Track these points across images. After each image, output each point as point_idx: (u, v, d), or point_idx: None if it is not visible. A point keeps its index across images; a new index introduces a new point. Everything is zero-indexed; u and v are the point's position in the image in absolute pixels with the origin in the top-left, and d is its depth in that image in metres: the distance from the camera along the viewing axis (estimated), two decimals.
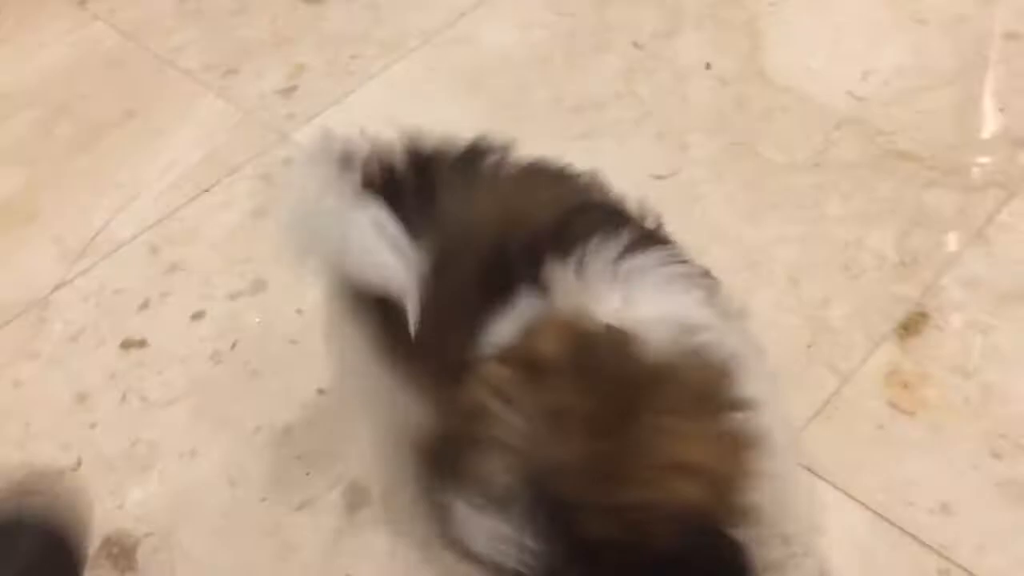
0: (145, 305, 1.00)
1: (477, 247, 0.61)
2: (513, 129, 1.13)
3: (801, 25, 1.17)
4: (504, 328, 0.54)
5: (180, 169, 1.17)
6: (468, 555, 0.49)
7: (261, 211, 1.10)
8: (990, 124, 1.01)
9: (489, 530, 0.47)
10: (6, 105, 1.30)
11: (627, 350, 0.49)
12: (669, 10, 1.23)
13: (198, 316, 0.99)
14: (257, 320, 0.97)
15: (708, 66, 1.15)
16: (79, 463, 0.87)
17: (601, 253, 0.56)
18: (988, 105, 1.02)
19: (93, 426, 0.90)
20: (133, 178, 1.16)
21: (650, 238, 0.62)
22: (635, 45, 1.20)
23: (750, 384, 0.51)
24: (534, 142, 1.12)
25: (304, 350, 0.94)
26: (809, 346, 0.86)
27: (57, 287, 1.04)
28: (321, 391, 0.90)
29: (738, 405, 0.50)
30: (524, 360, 0.50)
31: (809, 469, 0.78)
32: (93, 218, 1.11)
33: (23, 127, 1.26)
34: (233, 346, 0.96)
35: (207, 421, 0.89)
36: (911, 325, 0.86)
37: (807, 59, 1.12)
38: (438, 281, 0.62)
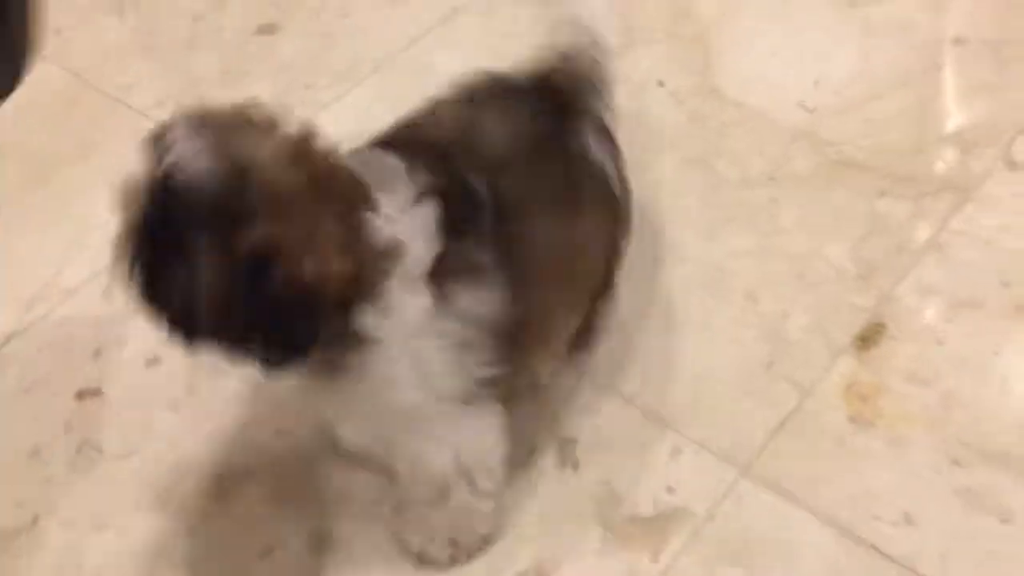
0: (99, 352, 0.99)
1: None
2: None
3: (752, 38, 1.17)
4: None
5: None
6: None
7: None
8: (940, 130, 1.01)
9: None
10: None
11: None
12: (620, 27, 1.23)
13: (153, 362, 0.97)
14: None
15: (661, 83, 1.15)
16: (35, 520, 0.85)
17: None
18: (937, 111, 1.03)
19: (49, 480, 0.88)
20: (85, 220, 1.15)
21: None
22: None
23: None
24: None
25: (262, 391, 0.93)
26: (770, 362, 0.86)
27: (9, 337, 1.02)
28: (279, 432, 0.89)
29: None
30: None
31: (774, 487, 0.78)
32: (47, 263, 1.09)
33: None
34: (190, 391, 0.94)
35: (165, 470, 0.88)
36: (869, 336, 0.86)
37: (759, 72, 1.12)
38: None
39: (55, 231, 1.15)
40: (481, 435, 0.71)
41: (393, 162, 0.66)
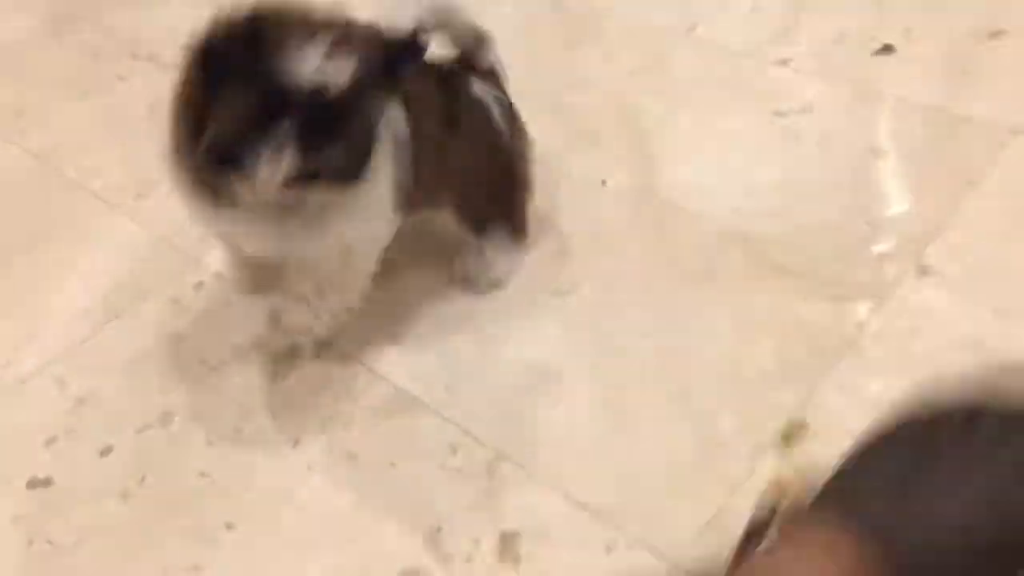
0: (52, 441, 1.01)
1: None
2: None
3: (689, 144, 1.25)
4: None
5: (89, 296, 1.18)
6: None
7: (172, 338, 1.11)
8: (858, 237, 1.09)
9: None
10: None
11: None
12: (568, 129, 1.31)
13: (106, 452, 0.99)
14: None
15: (604, 182, 1.21)
16: None
17: None
18: (857, 219, 1.11)
19: None
20: (40, 307, 1.17)
21: None
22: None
23: None
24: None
25: (214, 483, 0.96)
26: (700, 459, 0.91)
27: None
28: (230, 525, 0.91)
29: None
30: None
31: None
32: (1, 350, 1.11)
33: None
34: (142, 481, 0.96)
35: (115, 563, 0.89)
36: (791, 434, 0.92)
37: (695, 177, 1.20)
38: None
39: (9, 317, 1.16)
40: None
41: None
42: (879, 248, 1.07)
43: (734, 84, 1.32)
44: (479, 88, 1.05)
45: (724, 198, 1.16)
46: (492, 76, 1.08)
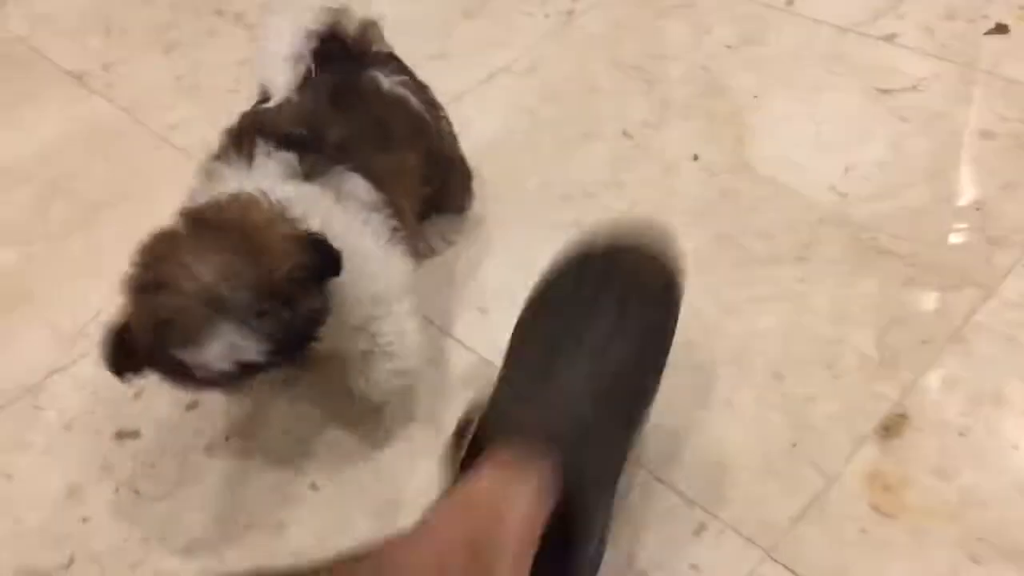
0: (139, 394, 1.01)
1: None
2: (505, 214, 1.17)
3: (785, 119, 1.21)
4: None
5: None
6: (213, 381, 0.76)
7: None
8: (966, 222, 1.04)
9: (220, 348, 0.73)
10: (1, 181, 1.32)
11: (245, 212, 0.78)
12: (657, 101, 1.27)
13: (192, 407, 1.00)
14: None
15: (695, 157, 1.18)
16: (71, 560, 0.87)
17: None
18: (965, 203, 1.06)
19: (86, 520, 0.90)
20: (125, 260, 1.17)
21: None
22: (624, 134, 1.23)
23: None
24: (525, 228, 1.16)
25: (297, 440, 0.95)
26: (794, 445, 0.88)
27: (51, 373, 1.04)
28: (314, 486, 0.91)
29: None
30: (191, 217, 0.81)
31: (797, 572, 0.80)
32: (88, 302, 1.12)
33: (17, 206, 1.28)
34: (227, 438, 0.97)
35: (200, 516, 0.90)
36: (892, 426, 0.88)
37: (791, 153, 1.16)
38: None
39: (99, 269, 1.15)
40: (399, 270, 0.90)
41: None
42: (989, 235, 1.02)
43: (835, 59, 1.27)
44: (388, 82, 1.00)
45: (822, 176, 1.12)
46: (392, 60, 1.05)
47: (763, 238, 1.07)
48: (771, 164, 1.15)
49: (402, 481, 0.91)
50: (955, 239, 1.03)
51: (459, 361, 1.00)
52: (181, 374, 0.77)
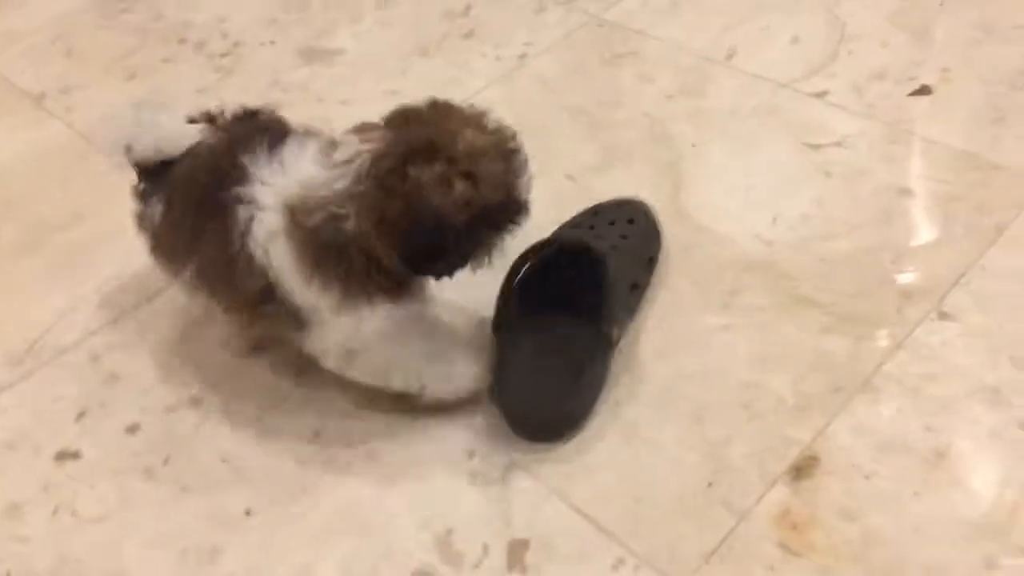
0: (83, 415, 1.04)
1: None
2: None
3: (721, 169, 1.27)
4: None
5: (126, 276, 1.21)
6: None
7: (204, 321, 1.14)
8: (883, 276, 1.10)
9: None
10: None
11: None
12: (601, 146, 1.33)
13: (133, 429, 1.02)
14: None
15: (636, 197, 1.23)
16: None
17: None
18: (882, 256, 1.12)
19: (24, 540, 0.92)
20: (78, 283, 1.20)
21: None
22: (568, 177, 1.28)
23: None
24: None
25: (236, 468, 0.98)
26: (709, 484, 0.93)
27: None
28: (249, 512, 0.94)
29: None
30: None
31: None
32: (36, 322, 1.14)
33: None
34: (166, 461, 0.99)
35: (136, 540, 0.92)
36: (803, 468, 0.93)
37: (724, 202, 1.22)
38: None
39: (48, 290, 1.19)
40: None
41: None
42: (902, 289, 1.08)
43: (769, 114, 1.33)
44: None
45: (751, 226, 1.18)
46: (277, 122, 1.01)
47: (694, 283, 1.12)
48: (705, 212, 1.21)
49: (339, 508, 0.94)
50: (871, 291, 1.09)
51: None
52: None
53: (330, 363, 0.96)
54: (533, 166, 1.27)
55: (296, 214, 0.87)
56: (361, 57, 1.56)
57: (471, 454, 0.98)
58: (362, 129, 0.88)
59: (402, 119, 0.88)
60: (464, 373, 0.99)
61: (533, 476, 0.95)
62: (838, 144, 1.27)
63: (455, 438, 0.99)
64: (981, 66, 1.35)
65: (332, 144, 0.89)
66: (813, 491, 0.92)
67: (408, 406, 1.00)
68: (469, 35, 1.57)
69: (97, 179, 1.37)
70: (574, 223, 1.17)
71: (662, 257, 1.15)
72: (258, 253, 0.88)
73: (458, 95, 1.43)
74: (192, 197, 0.95)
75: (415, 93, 1.46)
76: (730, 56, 1.44)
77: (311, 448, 1.00)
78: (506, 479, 0.95)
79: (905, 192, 1.20)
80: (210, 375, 1.08)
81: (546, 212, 1.22)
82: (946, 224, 1.16)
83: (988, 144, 1.24)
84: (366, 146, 0.85)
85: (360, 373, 0.96)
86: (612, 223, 1.15)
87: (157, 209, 0.99)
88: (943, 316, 1.05)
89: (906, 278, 1.10)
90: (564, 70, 1.47)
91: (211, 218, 0.92)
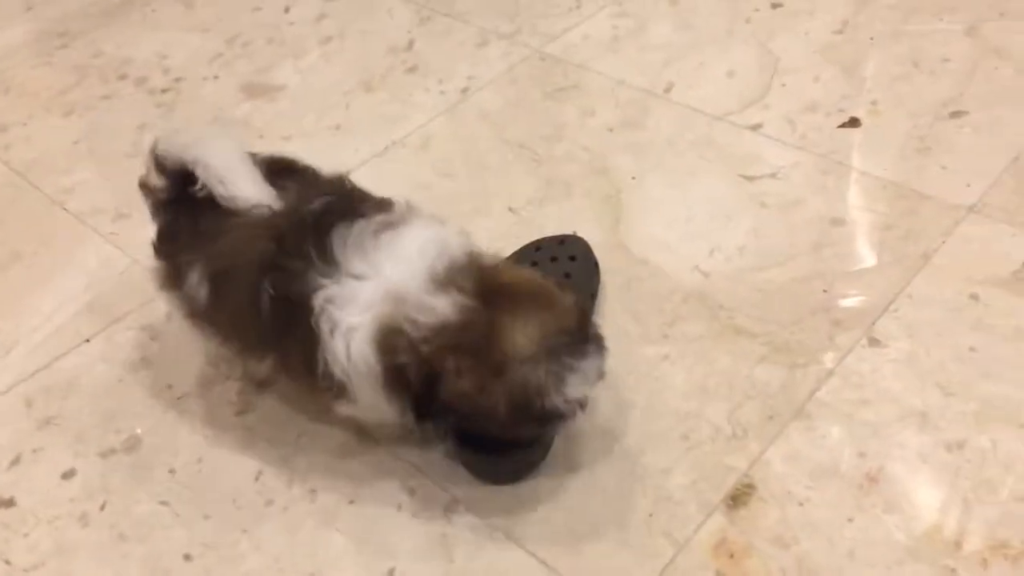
0: (16, 461, 1.02)
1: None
2: None
3: (660, 201, 1.29)
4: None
5: (62, 317, 1.19)
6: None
7: (142, 364, 1.13)
8: (815, 305, 1.13)
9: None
10: None
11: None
12: (542, 179, 1.35)
13: (69, 475, 1.01)
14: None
15: (574, 233, 1.25)
16: None
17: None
18: (814, 286, 1.15)
19: None
20: (13, 325, 1.18)
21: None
22: (510, 210, 1.30)
23: None
24: None
25: (173, 512, 0.97)
26: (650, 515, 0.94)
27: None
28: (188, 557, 0.93)
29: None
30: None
31: None
32: None
33: None
34: (102, 507, 0.98)
35: None
36: (739, 496, 0.95)
37: (663, 234, 1.24)
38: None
39: None
40: None
41: None
42: (834, 317, 1.11)
43: (706, 146, 1.36)
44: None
45: (689, 257, 1.20)
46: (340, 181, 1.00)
47: (634, 315, 1.14)
48: (645, 244, 1.23)
49: (281, 550, 0.94)
50: (804, 319, 1.11)
51: (335, 434, 1.04)
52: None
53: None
54: (475, 200, 1.29)
55: (384, 341, 0.84)
56: (304, 92, 1.57)
57: (412, 491, 0.98)
58: (457, 277, 0.86)
59: (495, 285, 0.87)
60: None
61: (475, 512, 0.96)
62: (773, 175, 1.30)
63: (397, 475, 0.99)
64: (908, 99, 1.40)
65: (439, 260, 0.87)
66: (749, 519, 0.93)
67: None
68: (412, 69, 1.59)
69: (35, 218, 1.35)
70: (517, 257, 1.18)
71: (602, 288, 1.17)
72: (340, 358, 0.85)
73: (402, 130, 1.46)
74: (255, 286, 0.88)
75: (358, 128, 1.49)
76: (668, 89, 1.47)
77: (252, 489, 0.99)
78: (448, 516, 0.96)
79: (837, 222, 1.23)
80: (147, 418, 1.07)
81: (488, 245, 1.24)
82: (876, 253, 1.19)
83: (915, 174, 1.28)
84: (454, 316, 0.84)
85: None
86: (554, 259, 1.16)
87: (201, 288, 0.92)
88: (873, 343, 1.08)
89: (838, 306, 1.12)
90: (506, 103, 1.49)
91: (288, 317, 0.87)
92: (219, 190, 0.91)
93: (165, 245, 0.98)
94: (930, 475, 0.96)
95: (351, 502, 0.97)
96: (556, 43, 1.60)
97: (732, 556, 0.91)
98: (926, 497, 0.94)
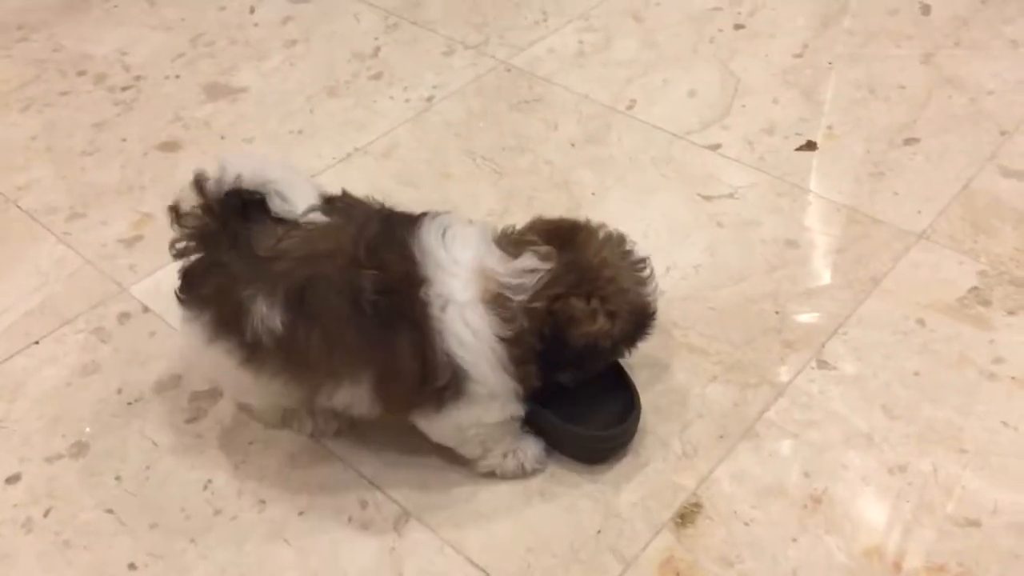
0: None
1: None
2: None
3: (618, 217, 1.29)
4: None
5: (11, 317, 1.17)
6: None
7: (91, 368, 1.11)
8: (767, 325, 1.15)
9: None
10: None
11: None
12: (504, 191, 1.35)
13: (13, 479, 0.99)
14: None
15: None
16: None
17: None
18: (767, 306, 1.17)
19: None
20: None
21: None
22: (471, 223, 1.30)
23: None
24: None
25: (119, 520, 0.96)
26: (599, 532, 0.95)
27: None
28: (132, 566, 0.92)
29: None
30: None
31: None
32: None
33: None
34: (46, 513, 0.96)
35: None
36: (687, 514, 0.96)
37: None
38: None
39: None
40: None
41: None
42: (785, 338, 1.13)
43: (666, 164, 1.38)
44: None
45: None
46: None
47: None
48: None
49: (227, 562, 0.93)
50: (756, 339, 1.13)
51: (286, 444, 1.03)
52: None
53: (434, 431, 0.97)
54: (436, 209, 1.28)
55: (498, 312, 0.88)
56: (268, 95, 1.56)
57: (364, 504, 0.98)
58: (528, 239, 0.94)
59: (558, 237, 0.95)
60: (533, 456, 1.00)
61: (426, 526, 0.96)
62: (730, 196, 1.32)
63: (349, 487, 0.99)
64: (864, 124, 1.43)
65: (502, 241, 0.94)
66: (696, 537, 0.95)
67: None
68: (378, 76, 1.59)
69: None
70: None
71: None
72: (454, 349, 0.87)
73: (366, 137, 1.46)
74: (350, 290, 0.87)
75: (321, 133, 1.48)
76: (631, 106, 1.49)
77: (200, 498, 0.98)
78: (399, 529, 0.96)
79: (792, 244, 1.25)
80: (94, 424, 1.05)
81: None
82: (828, 275, 1.21)
83: (868, 199, 1.31)
84: (545, 265, 0.90)
85: (449, 438, 0.97)
86: None
87: (275, 315, 0.86)
88: (822, 365, 1.10)
89: (789, 327, 1.14)
90: (470, 114, 1.50)
91: (392, 316, 0.86)
92: (281, 207, 0.89)
93: (207, 285, 0.90)
94: (872, 497, 0.98)
95: (301, 513, 0.97)
96: (522, 55, 1.61)
97: (678, 574, 0.92)
98: (868, 519, 0.96)
